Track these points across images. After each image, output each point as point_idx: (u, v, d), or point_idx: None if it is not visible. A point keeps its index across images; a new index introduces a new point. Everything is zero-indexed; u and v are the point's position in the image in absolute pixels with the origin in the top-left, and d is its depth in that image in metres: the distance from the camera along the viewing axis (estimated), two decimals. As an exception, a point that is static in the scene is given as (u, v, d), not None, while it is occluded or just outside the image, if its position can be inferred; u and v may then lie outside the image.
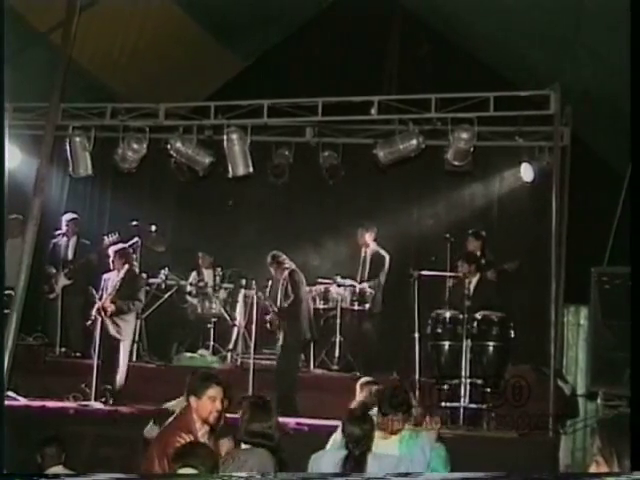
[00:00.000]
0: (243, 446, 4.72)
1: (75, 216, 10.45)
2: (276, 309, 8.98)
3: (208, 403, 4.84)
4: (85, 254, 10.11)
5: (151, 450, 4.89)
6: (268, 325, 9.15)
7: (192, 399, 4.89)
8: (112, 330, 8.71)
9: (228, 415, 5.41)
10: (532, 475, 5.08)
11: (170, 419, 5.11)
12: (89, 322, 8.79)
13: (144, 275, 9.55)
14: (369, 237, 10.09)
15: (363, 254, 10.10)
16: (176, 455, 3.83)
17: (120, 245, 9.20)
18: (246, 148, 9.18)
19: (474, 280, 8.77)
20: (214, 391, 4.87)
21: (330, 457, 4.86)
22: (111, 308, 8.63)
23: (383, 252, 10.03)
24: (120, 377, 8.71)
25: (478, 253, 9.35)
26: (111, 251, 9.06)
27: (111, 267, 9.03)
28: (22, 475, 5.25)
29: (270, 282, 9.34)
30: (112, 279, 8.89)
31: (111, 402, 8.42)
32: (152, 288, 10.12)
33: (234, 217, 11.16)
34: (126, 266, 8.92)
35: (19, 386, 8.36)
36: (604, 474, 2.42)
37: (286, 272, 9.03)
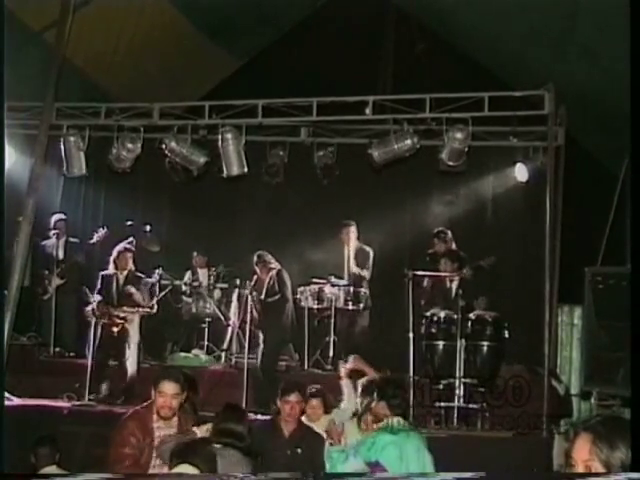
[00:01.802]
0: (215, 446, 4.72)
1: (63, 217, 10.44)
2: (259, 306, 9.00)
3: (159, 397, 5.01)
4: (75, 252, 10.15)
5: (117, 432, 5.07)
6: (248, 321, 9.17)
7: (152, 391, 5.08)
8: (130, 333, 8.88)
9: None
10: (526, 474, 5.09)
11: (134, 409, 5.32)
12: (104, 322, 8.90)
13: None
14: (352, 234, 9.98)
15: (346, 251, 10.01)
16: (174, 452, 3.83)
17: (123, 245, 9.25)
18: (241, 148, 9.16)
19: (457, 278, 8.84)
20: (166, 387, 5.00)
21: None
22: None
23: (367, 248, 9.96)
24: (131, 376, 8.79)
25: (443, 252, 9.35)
26: (115, 251, 9.14)
27: (114, 267, 9.10)
28: (21, 475, 5.25)
29: (255, 279, 9.28)
30: (113, 279, 8.98)
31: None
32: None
33: (229, 217, 11.14)
34: (128, 266, 9.08)
35: (13, 386, 8.32)
36: (599, 474, 2.43)
37: (273, 271, 9.07)
